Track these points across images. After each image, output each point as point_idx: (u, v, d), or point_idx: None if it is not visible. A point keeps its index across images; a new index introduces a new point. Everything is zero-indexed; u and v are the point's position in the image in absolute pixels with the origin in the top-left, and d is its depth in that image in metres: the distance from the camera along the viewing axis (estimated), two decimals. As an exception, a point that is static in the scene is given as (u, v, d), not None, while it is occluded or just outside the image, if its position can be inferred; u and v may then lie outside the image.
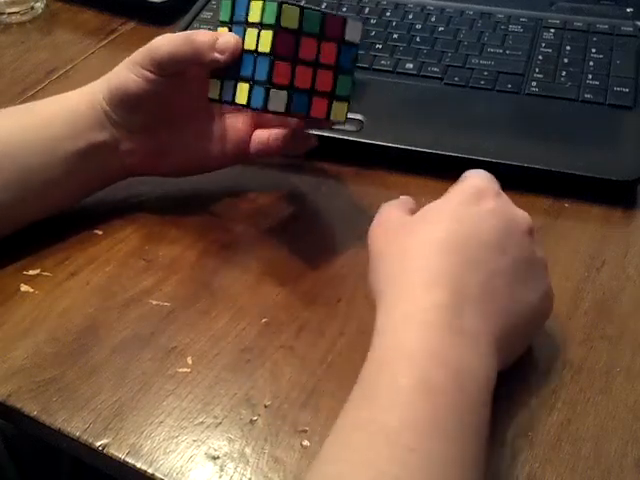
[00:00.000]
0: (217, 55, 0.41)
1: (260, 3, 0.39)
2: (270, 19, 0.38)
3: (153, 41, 0.43)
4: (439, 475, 0.29)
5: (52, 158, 0.44)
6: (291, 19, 0.39)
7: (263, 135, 0.46)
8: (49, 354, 0.40)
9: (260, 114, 0.45)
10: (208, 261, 0.45)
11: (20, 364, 0.39)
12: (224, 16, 0.42)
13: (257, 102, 0.39)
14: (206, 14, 0.63)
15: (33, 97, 0.58)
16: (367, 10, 0.62)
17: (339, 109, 0.42)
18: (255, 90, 0.39)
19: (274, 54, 0.39)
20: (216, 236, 0.47)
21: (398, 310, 0.34)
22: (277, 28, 0.38)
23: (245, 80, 0.40)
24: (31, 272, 0.44)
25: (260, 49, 0.39)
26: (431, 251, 0.35)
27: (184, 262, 0.45)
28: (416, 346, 0.32)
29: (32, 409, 0.37)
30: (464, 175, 0.39)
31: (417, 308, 0.33)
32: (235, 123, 0.46)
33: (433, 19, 0.60)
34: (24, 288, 0.43)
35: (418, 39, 0.58)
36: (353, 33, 0.41)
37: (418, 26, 0.60)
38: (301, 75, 0.40)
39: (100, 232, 0.47)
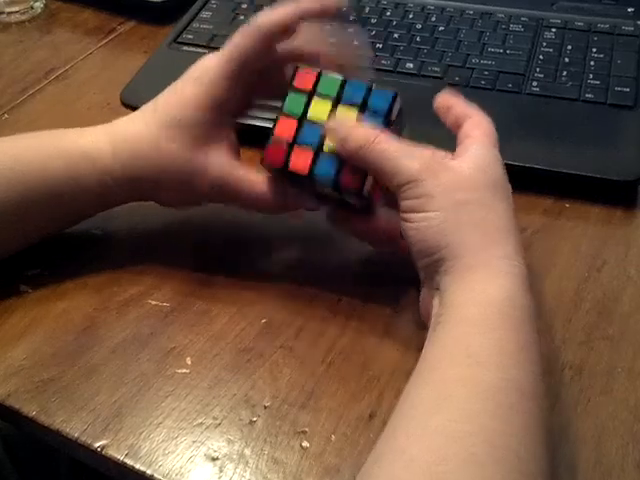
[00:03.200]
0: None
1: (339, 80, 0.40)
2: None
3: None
4: (537, 435, 0.31)
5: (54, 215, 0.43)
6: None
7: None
8: (48, 354, 0.40)
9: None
10: (207, 261, 0.45)
11: (19, 364, 0.39)
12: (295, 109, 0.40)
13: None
14: (205, 14, 0.63)
15: (32, 97, 0.58)
16: (367, 10, 0.62)
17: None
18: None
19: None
20: (216, 236, 0.46)
21: (481, 267, 0.35)
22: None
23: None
24: (30, 272, 0.44)
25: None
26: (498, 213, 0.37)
27: (183, 262, 0.45)
28: (509, 303, 0.34)
29: (31, 409, 0.37)
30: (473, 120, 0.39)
31: (500, 263, 0.35)
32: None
33: (433, 19, 0.60)
34: (23, 288, 0.43)
35: (418, 39, 0.58)
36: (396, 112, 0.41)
37: (418, 26, 0.60)
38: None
39: (99, 232, 0.47)
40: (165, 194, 0.43)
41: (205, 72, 0.41)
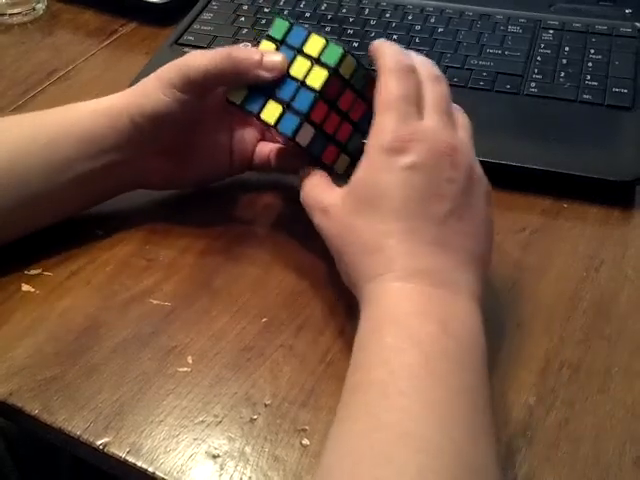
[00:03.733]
0: (263, 73, 0.40)
1: (322, 41, 0.40)
2: (330, 61, 0.39)
3: (186, 59, 0.41)
4: (436, 415, 0.30)
5: (61, 179, 0.43)
6: (348, 69, 0.40)
7: (264, 149, 0.47)
8: (50, 353, 0.40)
9: (269, 130, 0.45)
10: (208, 261, 0.45)
11: (21, 363, 0.40)
12: (276, 34, 0.41)
13: (287, 128, 0.40)
14: (207, 15, 0.63)
15: (34, 98, 0.59)
16: (367, 11, 0.62)
17: (343, 162, 0.42)
18: (288, 116, 0.40)
19: (321, 93, 0.39)
20: (216, 236, 0.47)
21: (376, 282, 0.35)
22: (333, 72, 0.39)
23: (279, 102, 0.40)
24: (32, 272, 0.44)
25: (308, 82, 0.40)
26: (385, 231, 0.35)
27: (184, 262, 0.45)
28: (400, 310, 0.34)
29: (33, 408, 0.38)
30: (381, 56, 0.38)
31: (394, 276, 0.34)
32: (242, 136, 0.46)
33: (432, 20, 0.61)
34: (25, 288, 0.44)
35: (417, 40, 0.59)
36: None
37: (417, 27, 0.60)
38: (331, 121, 0.40)
39: (101, 232, 0.47)
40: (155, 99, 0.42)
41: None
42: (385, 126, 0.36)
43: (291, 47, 0.41)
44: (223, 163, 0.47)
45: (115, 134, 0.42)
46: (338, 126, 0.41)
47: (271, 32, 0.42)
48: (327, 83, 0.39)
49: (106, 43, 0.65)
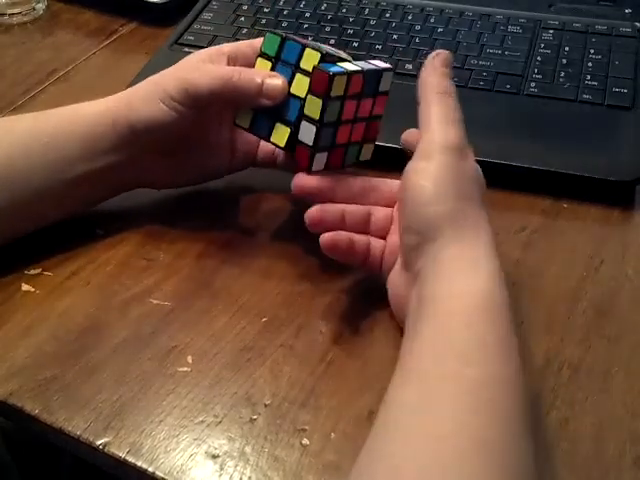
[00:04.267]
0: (265, 100, 0.40)
1: (318, 55, 0.39)
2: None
3: (188, 75, 0.41)
4: (519, 427, 0.31)
5: (61, 179, 0.43)
6: (340, 88, 0.39)
7: (269, 146, 0.46)
8: (50, 353, 0.40)
9: None
10: (208, 261, 0.45)
11: (21, 363, 0.40)
12: (268, 50, 0.41)
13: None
14: (207, 15, 0.63)
15: (34, 98, 0.59)
16: (367, 11, 0.62)
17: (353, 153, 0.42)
18: (299, 147, 0.40)
19: (322, 122, 0.39)
20: (216, 236, 0.47)
21: (459, 261, 0.35)
22: (327, 98, 0.39)
23: (286, 123, 0.40)
24: (32, 271, 0.44)
25: (308, 113, 0.39)
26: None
27: (184, 262, 0.45)
28: (489, 296, 0.34)
29: (33, 408, 0.38)
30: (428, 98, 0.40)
31: (479, 258, 0.35)
32: (243, 134, 0.46)
33: (432, 20, 0.61)
34: (25, 287, 0.44)
35: (417, 40, 0.59)
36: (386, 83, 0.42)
37: (417, 27, 0.60)
38: (342, 132, 0.40)
39: (101, 232, 0.47)
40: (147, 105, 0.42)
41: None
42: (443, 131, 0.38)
43: (287, 64, 0.40)
44: (224, 160, 0.47)
45: (114, 135, 0.43)
46: (350, 134, 0.41)
47: (264, 48, 0.41)
48: (324, 111, 0.39)
49: (106, 43, 0.65)
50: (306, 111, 0.39)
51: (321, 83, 0.39)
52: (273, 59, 0.41)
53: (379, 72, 0.41)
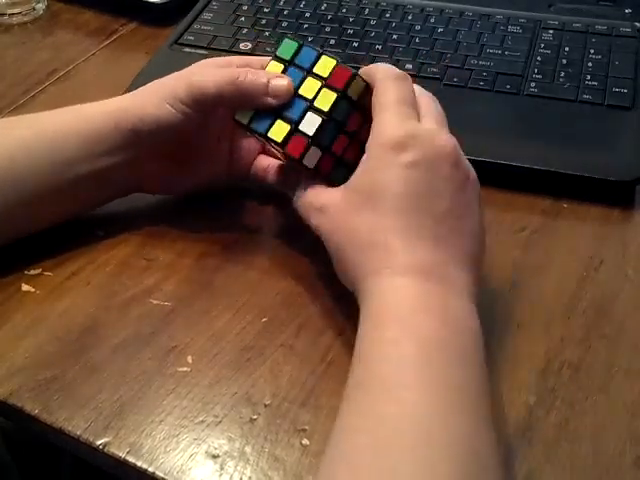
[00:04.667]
0: (270, 100, 0.40)
1: (333, 62, 0.40)
2: (339, 84, 0.39)
3: (194, 78, 0.41)
4: (437, 406, 0.31)
5: (62, 180, 0.43)
6: (356, 91, 0.40)
7: (263, 163, 0.47)
8: (50, 353, 0.40)
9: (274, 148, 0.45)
10: (208, 261, 0.45)
11: (21, 363, 0.40)
12: (284, 54, 0.41)
13: (294, 149, 0.40)
14: (207, 15, 0.63)
15: (34, 98, 0.59)
16: (367, 11, 0.62)
17: (341, 173, 0.41)
18: (295, 137, 0.40)
19: (329, 116, 0.39)
20: (216, 236, 0.47)
21: (375, 278, 0.35)
22: (342, 95, 0.39)
23: (287, 121, 0.40)
24: (32, 272, 0.44)
25: (317, 105, 0.39)
26: (384, 227, 0.36)
27: (184, 262, 0.45)
28: (400, 306, 0.34)
29: (33, 408, 0.38)
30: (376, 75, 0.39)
31: (392, 271, 0.35)
32: (243, 145, 0.47)
33: (432, 20, 0.61)
34: (25, 288, 0.44)
35: (417, 40, 0.59)
36: None
37: (417, 27, 0.60)
38: (339, 142, 0.40)
39: (101, 232, 0.47)
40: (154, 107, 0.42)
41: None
42: (385, 125, 0.37)
43: (300, 68, 0.41)
44: (221, 171, 0.47)
45: (118, 135, 0.43)
46: (346, 147, 0.41)
47: (279, 52, 0.41)
48: (335, 106, 0.39)
49: (106, 43, 0.65)
50: (316, 103, 0.39)
51: (341, 78, 0.39)
52: (286, 63, 0.41)
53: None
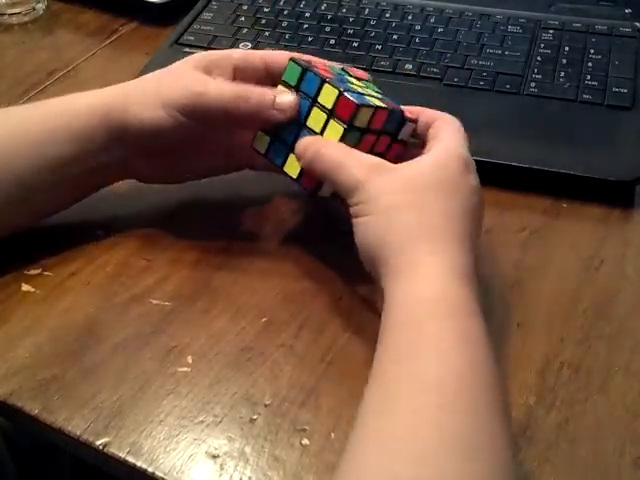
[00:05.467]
0: (276, 114, 0.40)
1: (336, 92, 0.39)
2: (345, 116, 0.39)
3: (195, 88, 0.40)
4: (487, 417, 0.31)
5: (52, 180, 0.42)
6: (362, 121, 0.39)
7: None
8: (50, 353, 0.40)
9: None
10: (208, 261, 0.45)
11: (21, 363, 0.40)
12: (290, 79, 0.41)
13: (309, 184, 0.40)
14: (207, 15, 0.63)
15: (35, 98, 0.59)
16: (367, 11, 0.62)
17: None
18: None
19: None
20: (216, 236, 0.47)
21: (419, 265, 0.35)
22: (349, 127, 0.39)
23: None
24: (32, 272, 0.44)
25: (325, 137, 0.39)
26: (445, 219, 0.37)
27: (184, 262, 0.45)
28: (445, 297, 0.34)
29: (33, 408, 0.38)
30: (440, 126, 0.40)
31: (442, 262, 0.35)
32: (243, 137, 0.46)
33: (432, 20, 0.61)
34: (25, 288, 0.44)
35: (417, 40, 0.59)
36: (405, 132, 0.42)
37: (417, 27, 0.60)
38: None
39: (101, 232, 0.47)
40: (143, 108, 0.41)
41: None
42: (457, 142, 0.39)
43: (306, 96, 0.40)
44: (218, 161, 0.47)
45: (108, 134, 0.42)
46: None
47: (285, 77, 0.41)
48: (343, 138, 0.39)
49: (106, 43, 0.65)
50: (326, 134, 0.39)
51: (346, 110, 0.39)
52: (293, 88, 0.41)
53: (403, 116, 0.41)
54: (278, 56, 0.43)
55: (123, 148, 0.43)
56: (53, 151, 0.42)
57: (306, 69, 0.40)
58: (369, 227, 0.37)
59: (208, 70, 0.42)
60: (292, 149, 0.40)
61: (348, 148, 0.39)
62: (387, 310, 0.35)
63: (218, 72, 0.42)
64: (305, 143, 0.40)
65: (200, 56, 0.43)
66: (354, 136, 0.39)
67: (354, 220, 0.38)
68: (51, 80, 0.61)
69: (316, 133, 0.40)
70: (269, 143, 0.42)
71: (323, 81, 0.40)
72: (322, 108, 0.40)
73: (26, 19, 0.69)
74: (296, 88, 0.41)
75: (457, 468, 0.29)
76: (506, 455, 0.31)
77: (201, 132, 0.43)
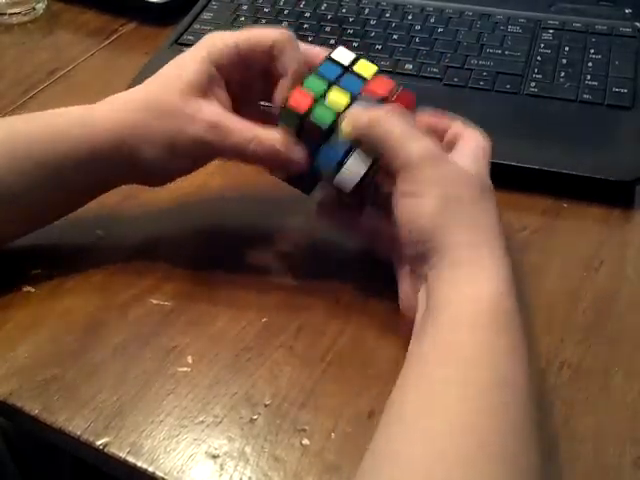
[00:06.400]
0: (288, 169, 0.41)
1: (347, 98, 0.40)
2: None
3: (206, 133, 0.40)
4: (528, 430, 0.31)
5: (60, 201, 0.43)
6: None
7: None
8: (50, 353, 0.40)
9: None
10: (208, 261, 0.45)
11: (21, 363, 0.40)
12: (289, 123, 0.40)
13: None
14: (207, 15, 0.63)
15: (34, 98, 0.59)
16: (367, 11, 0.62)
17: None
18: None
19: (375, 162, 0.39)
20: (216, 236, 0.47)
21: (475, 268, 0.35)
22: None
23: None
24: (32, 272, 0.44)
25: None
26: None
27: (184, 262, 0.45)
28: (497, 301, 0.34)
29: (33, 408, 0.38)
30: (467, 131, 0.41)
31: (492, 266, 0.35)
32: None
33: (432, 20, 0.61)
34: (26, 288, 0.44)
35: (417, 40, 0.59)
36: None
37: (417, 27, 0.60)
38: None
39: (101, 232, 0.47)
40: (151, 148, 0.41)
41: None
42: (483, 142, 0.40)
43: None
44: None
45: (116, 158, 0.41)
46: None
47: (282, 121, 0.40)
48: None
49: (106, 43, 0.65)
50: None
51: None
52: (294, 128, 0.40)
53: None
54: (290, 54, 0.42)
55: (133, 167, 0.42)
56: (59, 176, 0.41)
57: (305, 114, 0.39)
58: (424, 211, 0.36)
59: (210, 86, 0.41)
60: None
61: (407, 123, 0.38)
62: (437, 305, 0.35)
63: (219, 88, 0.42)
64: (359, 111, 0.39)
65: (199, 71, 0.41)
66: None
67: (403, 200, 0.37)
68: (51, 80, 0.61)
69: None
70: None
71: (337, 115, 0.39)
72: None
73: (26, 19, 0.69)
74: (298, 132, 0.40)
75: (492, 471, 0.29)
76: (537, 461, 0.31)
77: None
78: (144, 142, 0.41)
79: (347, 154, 0.39)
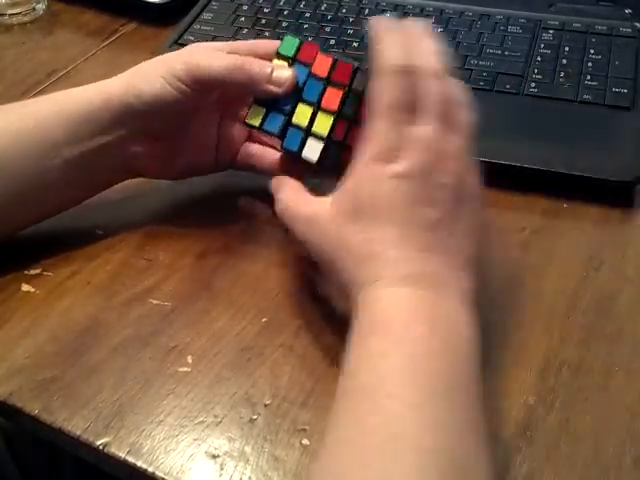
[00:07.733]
0: (272, 88, 0.41)
1: (330, 60, 0.41)
2: (344, 79, 0.41)
3: (196, 58, 0.42)
4: (421, 416, 0.30)
5: (50, 166, 0.42)
6: (360, 84, 0.40)
7: (250, 149, 0.47)
8: (50, 353, 0.40)
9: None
10: (208, 261, 0.45)
11: (21, 363, 0.40)
12: (286, 51, 0.42)
13: (310, 153, 0.41)
14: (207, 15, 0.63)
15: (34, 98, 0.59)
16: (367, 11, 0.62)
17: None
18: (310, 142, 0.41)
19: (339, 114, 0.40)
20: (216, 236, 0.47)
21: (368, 289, 0.35)
22: (348, 90, 0.41)
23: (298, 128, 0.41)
24: (32, 272, 0.44)
25: (324, 105, 0.41)
26: (376, 239, 0.35)
27: (184, 262, 0.45)
28: (388, 315, 0.34)
29: (33, 408, 0.38)
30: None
31: (385, 282, 0.34)
32: (230, 132, 0.47)
33: (432, 20, 0.61)
34: (25, 288, 0.44)
35: (418, 40, 0.59)
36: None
37: (418, 27, 0.60)
38: (352, 134, 0.41)
39: (101, 232, 0.47)
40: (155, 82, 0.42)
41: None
42: (374, 135, 0.36)
43: (303, 65, 0.42)
44: (209, 156, 0.47)
45: (108, 115, 0.42)
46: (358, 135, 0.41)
47: (281, 49, 0.42)
48: (345, 102, 0.40)
49: (106, 43, 0.65)
50: (324, 104, 0.41)
51: (345, 73, 0.41)
52: (290, 59, 0.42)
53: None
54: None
55: (122, 130, 0.43)
56: (46, 136, 0.42)
57: (302, 41, 0.42)
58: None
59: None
60: (290, 117, 0.41)
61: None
62: (365, 316, 0.34)
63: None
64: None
65: (204, 45, 0.45)
66: (354, 100, 0.40)
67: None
68: (51, 80, 0.61)
69: (313, 103, 0.41)
70: (264, 115, 0.42)
71: (317, 52, 0.41)
72: (318, 79, 0.41)
73: (26, 19, 0.69)
74: (292, 59, 0.42)
75: (402, 468, 0.29)
76: (489, 469, 0.31)
77: (198, 111, 0.44)
78: (147, 81, 0.42)
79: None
